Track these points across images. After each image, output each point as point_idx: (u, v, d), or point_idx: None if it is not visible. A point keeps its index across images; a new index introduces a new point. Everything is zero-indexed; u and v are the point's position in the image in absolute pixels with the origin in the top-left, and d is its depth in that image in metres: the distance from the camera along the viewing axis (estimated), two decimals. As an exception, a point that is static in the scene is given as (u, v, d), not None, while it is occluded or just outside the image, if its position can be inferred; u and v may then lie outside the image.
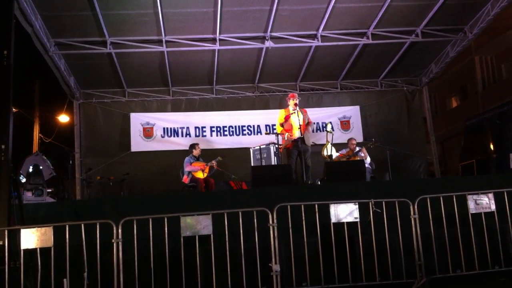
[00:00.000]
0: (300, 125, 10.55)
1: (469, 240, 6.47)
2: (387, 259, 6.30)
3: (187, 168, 11.85)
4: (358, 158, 11.85)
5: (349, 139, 12.70)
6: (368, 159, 12.14)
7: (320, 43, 12.32)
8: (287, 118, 10.71)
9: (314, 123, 13.84)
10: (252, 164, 11.75)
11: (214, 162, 11.96)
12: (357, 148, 12.27)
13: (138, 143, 14.40)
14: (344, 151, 12.43)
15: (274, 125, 13.62)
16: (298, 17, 11.69)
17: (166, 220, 6.02)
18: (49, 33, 11.38)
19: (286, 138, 10.70)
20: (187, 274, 5.98)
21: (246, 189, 11.59)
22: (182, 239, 6.02)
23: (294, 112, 10.71)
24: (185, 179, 11.83)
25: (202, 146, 12.88)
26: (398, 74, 15.22)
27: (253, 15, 11.39)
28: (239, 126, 14.95)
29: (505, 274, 6.45)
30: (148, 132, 14.50)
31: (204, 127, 14.81)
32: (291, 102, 10.85)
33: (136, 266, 5.93)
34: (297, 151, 10.61)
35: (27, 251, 5.80)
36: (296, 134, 10.58)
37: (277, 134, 10.84)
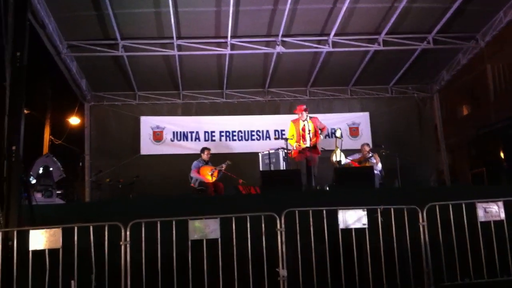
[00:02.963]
0: (309, 134, 10.69)
1: (477, 248, 6.42)
2: (395, 266, 6.26)
3: (192, 174, 11.90)
4: (369, 164, 11.83)
5: (362, 145, 12.75)
6: (380, 166, 12.13)
7: (331, 49, 12.30)
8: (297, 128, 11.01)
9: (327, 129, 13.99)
10: (261, 169, 11.75)
11: (223, 166, 11.98)
12: (370, 154, 12.26)
13: (148, 147, 14.48)
14: (356, 156, 12.43)
15: (284, 130, 13.71)
16: (309, 22, 11.69)
17: (174, 223, 6.02)
18: (62, 35, 11.45)
19: (295, 148, 10.85)
20: (194, 277, 5.98)
21: (255, 193, 11.60)
22: (189, 243, 6.03)
23: (305, 121, 11.04)
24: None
25: (212, 150, 12.89)
26: (409, 81, 15.18)
27: (264, 19, 11.39)
28: (248, 131, 14.97)
29: (514, 283, 6.41)
30: (158, 136, 14.56)
31: (214, 131, 14.87)
32: (303, 114, 11.10)
33: (144, 269, 5.95)
34: (305, 159, 10.77)
35: (35, 252, 5.83)
36: (306, 143, 10.77)
37: (286, 140, 10.99)
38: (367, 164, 11.95)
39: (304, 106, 11.34)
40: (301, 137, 10.99)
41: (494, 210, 6.52)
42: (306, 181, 10.78)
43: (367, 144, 12.82)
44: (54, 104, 22.49)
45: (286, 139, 11.13)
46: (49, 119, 21.80)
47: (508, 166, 12.20)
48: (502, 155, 12.61)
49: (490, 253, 6.44)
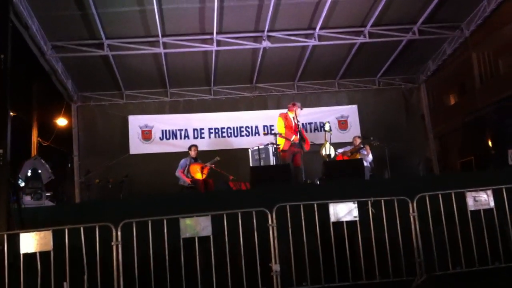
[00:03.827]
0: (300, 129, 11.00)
1: (468, 237, 6.46)
2: (386, 257, 6.29)
3: (177, 173, 11.93)
4: (359, 156, 11.89)
5: (354, 137, 12.86)
6: (370, 157, 12.21)
7: (317, 42, 12.32)
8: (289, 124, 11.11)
9: (312, 123, 14.72)
10: (251, 165, 11.76)
11: (214, 162, 12.01)
12: (362, 146, 12.33)
13: (137, 146, 14.44)
14: (348, 148, 12.51)
15: (272, 125, 13.72)
16: (295, 17, 11.69)
17: (165, 222, 6.02)
18: (46, 35, 11.37)
19: (292, 140, 10.88)
20: (187, 275, 5.97)
21: (245, 189, 11.59)
22: (181, 241, 6.02)
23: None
24: (187, 179, 11.84)
25: (201, 147, 12.93)
26: (395, 72, 15.26)
27: (249, 14, 11.36)
28: (237, 127, 14.97)
29: (505, 270, 6.44)
30: (146, 135, 14.52)
31: (203, 128, 14.85)
32: (296, 111, 11.17)
33: (136, 268, 5.93)
34: (293, 153, 10.84)
35: (26, 255, 5.79)
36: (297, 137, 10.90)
37: (275, 135, 10.98)
38: (357, 156, 11.99)
39: (299, 104, 11.38)
40: (293, 132, 10.98)
41: (483, 199, 6.56)
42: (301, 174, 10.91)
43: (359, 136, 12.90)
44: (40, 106, 22.27)
45: (275, 134, 11.11)
46: (36, 121, 21.59)
47: (495, 152, 12.28)
48: (489, 142, 12.69)
49: (481, 241, 6.48)
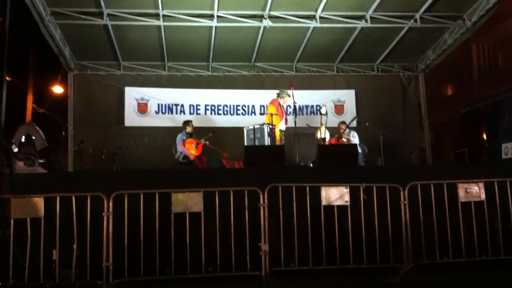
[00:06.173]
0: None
1: (457, 228, 6.50)
2: (375, 243, 6.34)
3: (179, 147, 11.90)
4: (346, 142, 11.90)
5: (339, 123, 12.79)
6: (356, 140, 12.18)
7: (318, 25, 12.24)
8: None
9: (308, 106, 14.85)
10: (245, 144, 11.76)
11: (208, 138, 12.05)
12: (346, 131, 12.30)
13: (132, 118, 14.38)
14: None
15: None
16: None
17: (157, 195, 6.03)
18: (45, 1, 11.23)
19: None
20: (176, 250, 6.00)
21: (238, 168, 11.61)
22: (172, 215, 6.03)
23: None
24: (191, 155, 11.89)
25: (197, 124, 12.93)
26: (395, 59, 15.20)
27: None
28: (233, 106, 14.93)
29: (492, 263, 6.50)
30: (142, 108, 14.45)
31: (199, 105, 14.79)
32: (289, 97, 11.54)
33: (126, 240, 5.95)
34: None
35: (17, 220, 5.80)
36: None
37: (271, 115, 11.04)
38: (344, 141, 11.98)
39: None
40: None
41: (475, 191, 6.60)
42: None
43: (343, 122, 12.76)
44: (37, 72, 22.15)
45: (271, 115, 11.16)
46: (32, 87, 21.48)
47: (489, 146, 12.34)
48: (484, 135, 12.75)
49: (470, 233, 6.53)
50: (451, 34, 13.55)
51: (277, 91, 12.24)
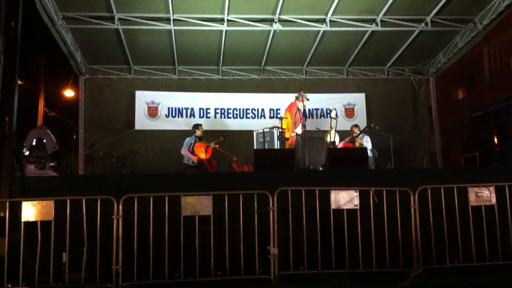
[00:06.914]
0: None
1: (468, 232, 6.46)
2: (385, 247, 6.31)
3: (183, 152, 11.92)
4: (359, 145, 11.83)
5: (352, 126, 12.69)
6: (369, 145, 12.10)
7: (328, 28, 12.23)
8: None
9: (318, 109, 14.91)
10: (255, 147, 11.76)
11: (218, 142, 12.04)
12: (360, 135, 12.23)
13: (142, 122, 14.45)
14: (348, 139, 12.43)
15: (279, 109, 13.74)
16: (307, 1, 11.59)
17: (167, 198, 6.04)
18: (57, 6, 11.31)
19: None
20: (186, 253, 6.01)
21: (248, 171, 11.62)
22: (182, 218, 6.04)
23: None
24: (194, 157, 11.85)
25: (206, 127, 12.93)
26: (405, 62, 15.15)
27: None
28: (243, 109, 14.95)
29: (502, 268, 6.45)
30: (152, 111, 14.52)
31: (209, 108, 14.83)
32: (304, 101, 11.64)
33: (136, 243, 5.96)
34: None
35: (27, 223, 5.83)
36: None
37: (281, 119, 11.05)
38: (356, 145, 11.93)
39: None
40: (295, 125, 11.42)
41: (485, 195, 6.55)
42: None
43: (356, 125, 12.70)
44: (48, 76, 22.34)
45: (281, 118, 11.17)
46: (43, 91, 21.65)
47: (500, 150, 12.26)
48: (495, 139, 12.66)
49: (480, 237, 6.48)
50: (462, 38, 13.48)
51: (296, 94, 12.17)
